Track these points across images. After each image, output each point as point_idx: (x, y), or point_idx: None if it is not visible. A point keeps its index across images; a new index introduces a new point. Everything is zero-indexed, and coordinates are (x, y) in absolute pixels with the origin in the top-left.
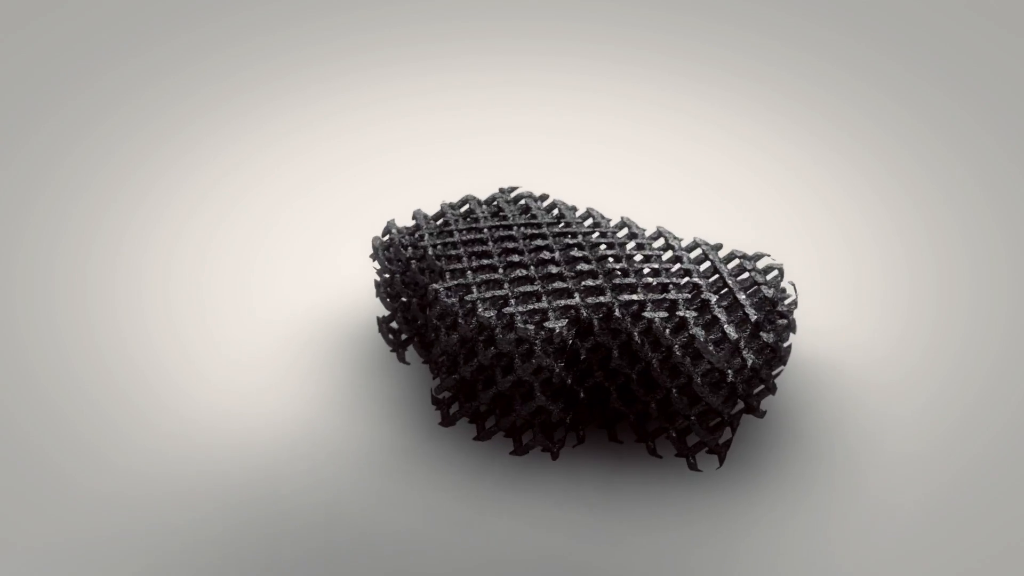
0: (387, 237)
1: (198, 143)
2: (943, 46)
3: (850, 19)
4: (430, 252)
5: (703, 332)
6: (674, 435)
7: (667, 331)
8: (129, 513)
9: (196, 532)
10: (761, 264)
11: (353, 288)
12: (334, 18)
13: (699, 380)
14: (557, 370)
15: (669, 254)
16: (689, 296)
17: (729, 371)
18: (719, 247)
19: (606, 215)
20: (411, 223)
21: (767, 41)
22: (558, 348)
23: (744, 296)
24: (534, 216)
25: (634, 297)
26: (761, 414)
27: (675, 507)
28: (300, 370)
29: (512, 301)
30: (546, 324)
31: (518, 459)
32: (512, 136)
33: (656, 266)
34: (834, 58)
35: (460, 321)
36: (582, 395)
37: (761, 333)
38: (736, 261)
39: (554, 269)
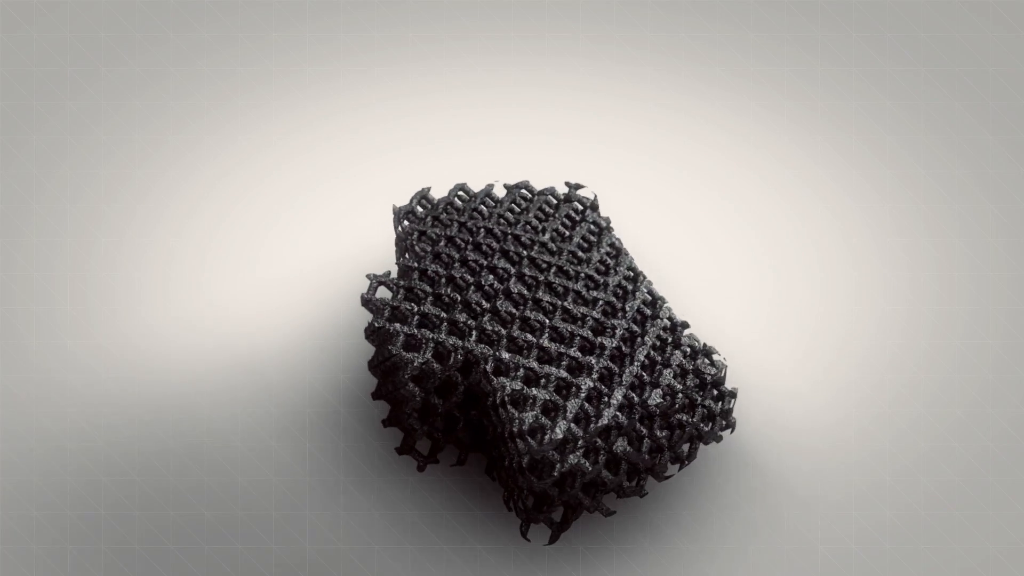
0: (410, 204)
1: (198, 143)
2: (943, 46)
3: (850, 19)
4: (415, 235)
5: (533, 417)
6: (515, 497)
7: (524, 403)
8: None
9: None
10: (715, 358)
11: (357, 270)
12: (334, 18)
13: (524, 462)
14: (417, 397)
15: (618, 318)
16: (565, 375)
17: (557, 464)
18: (685, 325)
19: (626, 243)
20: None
21: (767, 41)
22: (427, 375)
23: (622, 393)
24: (542, 230)
25: (507, 357)
26: (607, 512)
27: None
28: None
29: (415, 319)
30: (410, 353)
31: (400, 457)
32: (512, 136)
33: (572, 329)
34: (834, 58)
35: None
36: (461, 423)
37: (619, 440)
38: (678, 353)
39: (473, 297)
